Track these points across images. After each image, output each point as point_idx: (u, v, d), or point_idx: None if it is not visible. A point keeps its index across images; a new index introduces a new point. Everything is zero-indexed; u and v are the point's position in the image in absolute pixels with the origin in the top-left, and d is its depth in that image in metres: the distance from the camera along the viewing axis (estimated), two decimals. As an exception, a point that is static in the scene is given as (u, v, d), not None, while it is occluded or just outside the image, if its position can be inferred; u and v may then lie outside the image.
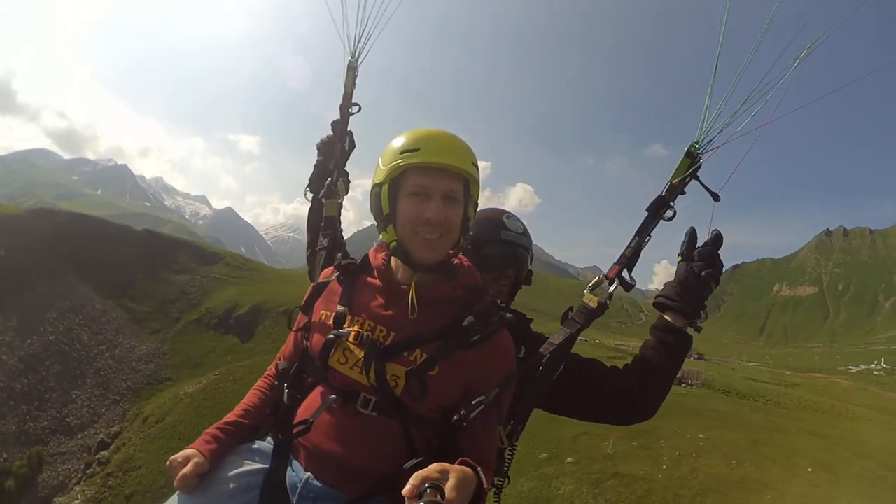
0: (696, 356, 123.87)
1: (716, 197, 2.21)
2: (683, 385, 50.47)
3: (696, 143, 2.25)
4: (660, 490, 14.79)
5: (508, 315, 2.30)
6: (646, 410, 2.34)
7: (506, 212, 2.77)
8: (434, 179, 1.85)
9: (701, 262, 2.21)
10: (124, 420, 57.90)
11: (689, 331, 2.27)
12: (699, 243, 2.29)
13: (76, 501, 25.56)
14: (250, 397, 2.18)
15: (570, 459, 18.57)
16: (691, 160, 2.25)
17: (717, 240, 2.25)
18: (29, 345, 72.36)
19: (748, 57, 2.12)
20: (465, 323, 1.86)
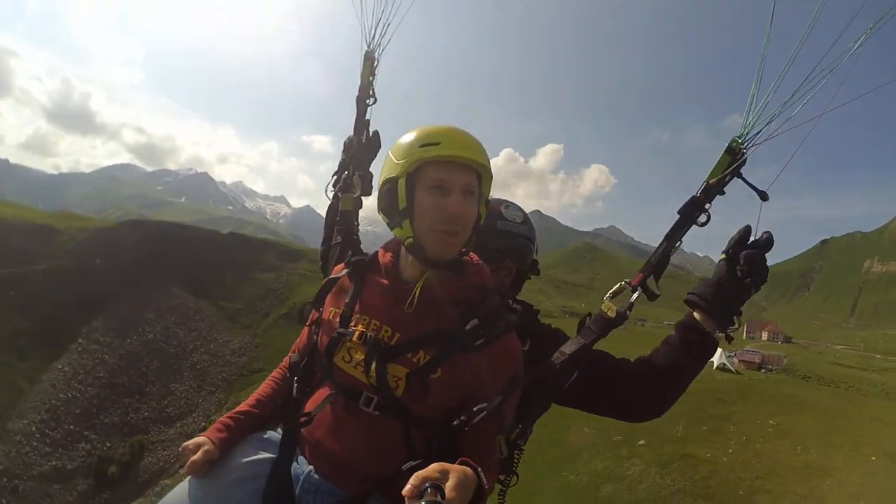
0: (783, 339, 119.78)
1: (763, 196, 2.02)
2: (763, 370, 49.63)
3: (739, 136, 2.08)
4: (723, 472, 15.34)
5: (515, 307, 2.37)
6: (655, 410, 2.26)
7: (504, 201, 2.69)
8: (454, 173, 1.83)
9: (746, 265, 2.04)
10: (222, 409, 60.78)
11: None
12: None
13: (182, 482, 27.80)
14: (264, 388, 2.23)
15: (641, 441, 19.30)
16: (732, 157, 2.09)
17: (767, 243, 2.06)
18: (129, 344, 77.29)
19: (802, 37, 1.89)
20: (468, 326, 1.85)
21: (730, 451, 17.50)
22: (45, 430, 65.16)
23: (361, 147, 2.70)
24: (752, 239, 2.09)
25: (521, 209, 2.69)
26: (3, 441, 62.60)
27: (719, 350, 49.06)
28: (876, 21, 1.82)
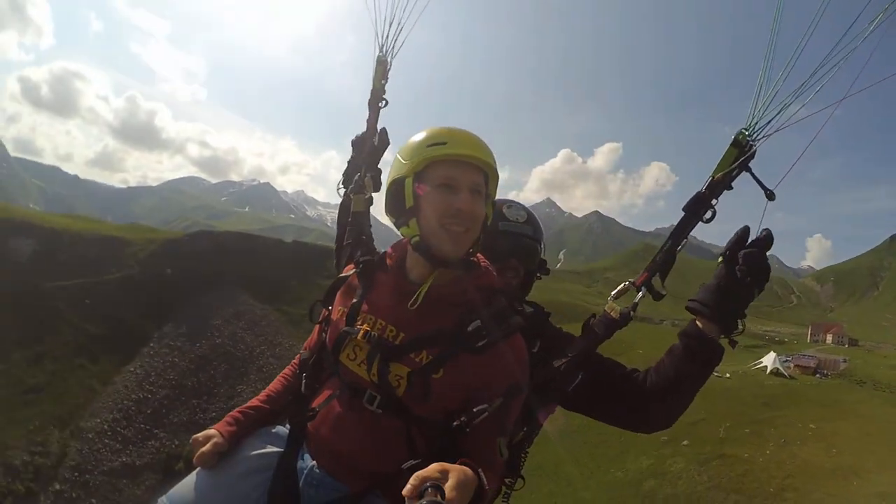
0: (848, 343, 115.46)
1: (770, 195, 1.98)
2: (818, 375, 48.41)
3: (746, 128, 2.00)
4: (757, 471, 15.98)
5: (528, 309, 2.38)
6: (662, 420, 2.21)
7: (508, 201, 2.66)
8: (462, 172, 1.84)
9: (745, 265, 1.97)
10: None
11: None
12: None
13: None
14: (274, 384, 2.29)
15: (685, 442, 20.02)
16: (739, 150, 2.00)
17: (766, 241, 2.00)
18: (198, 348, 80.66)
19: (813, 22, 1.81)
20: (470, 328, 1.84)
21: (767, 451, 18.14)
22: (116, 429, 68.95)
23: (374, 149, 2.71)
24: (751, 239, 2.04)
25: (524, 208, 2.66)
26: (77, 438, 66.81)
27: (773, 355, 48.64)
28: (886, 7, 1.71)
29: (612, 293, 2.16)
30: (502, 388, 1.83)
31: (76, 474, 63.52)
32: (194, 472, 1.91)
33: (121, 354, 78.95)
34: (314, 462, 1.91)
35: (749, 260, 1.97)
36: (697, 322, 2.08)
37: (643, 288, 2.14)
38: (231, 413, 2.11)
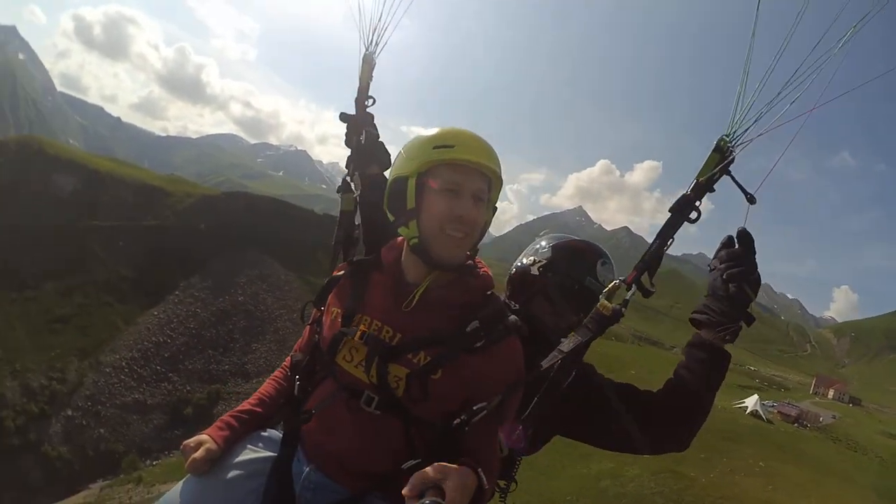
0: (849, 400, 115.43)
1: (751, 199, 1.97)
2: (796, 425, 49.30)
3: (727, 135, 2.02)
4: (697, 489, 18.15)
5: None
6: (676, 438, 2.18)
7: (604, 256, 2.53)
8: (466, 177, 1.81)
9: (724, 263, 2.01)
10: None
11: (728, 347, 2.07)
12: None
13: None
14: (266, 387, 2.20)
15: (645, 455, 22.45)
16: (721, 155, 2.02)
17: (741, 238, 2.01)
18: (221, 302, 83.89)
19: (788, 34, 1.85)
20: (468, 328, 1.81)
21: (711, 475, 20.38)
22: (133, 367, 73.07)
23: (361, 148, 2.63)
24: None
25: (613, 269, 2.52)
26: (95, 370, 71.10)
27: (756, 397, 49.57)
28: (859, 19, 1.81)
29: (604, 291, 2.14)
30: (501, 386, 1.82)
31: (89, 403, 67.68)
32: (186, 479, 1.85)
33: (147, 298, 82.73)
34: (311, 465, 1.87)
35: (729, 257, 2.02)
36: (700, 332, 2.10)
37: (633, 285, 2.13)
38: (222, 417, 2.03)
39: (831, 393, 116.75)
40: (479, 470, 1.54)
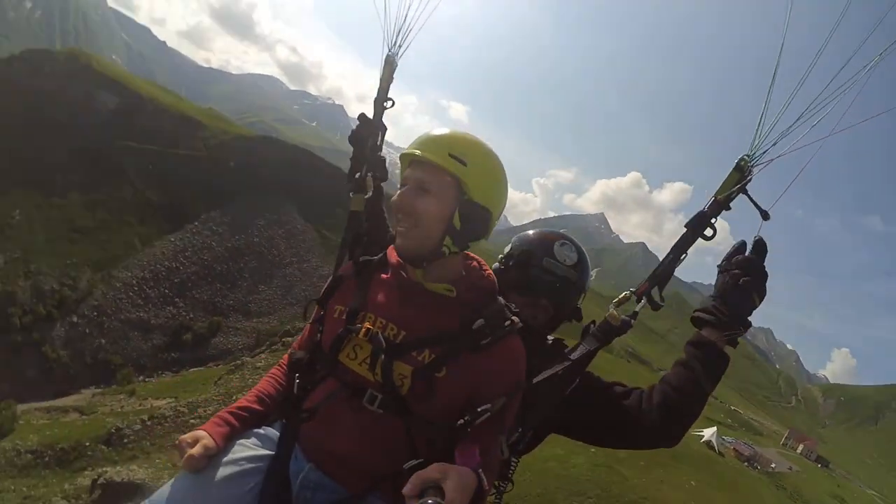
0: (815, 458, 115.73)
1: (765, 215, 2.00)
2: (746, 464, 49.20)
3: (748, 155, 2.04)
4: (625, 484, 19.29)
5: (549, 339, 2.46)
6: (666, 433, 2.19)
7: (564, 238, 2.55)
8: (412, 170, 1.86)
9: (738, 269, 2.01)
10: (294, 321, 64.80)
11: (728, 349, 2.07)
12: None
13: (261, 363, 33.26)
14: (264, 384, 2.17)
15: (593, 449, 24.03)
16: (741, 174, 2.04)
17: (757, 247, 2.03)
18: (236, 240, 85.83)
19: (812, 60, 1.87)
20: (475, 326, 1.81)
21: (643, 479, 21.66)
22: (143, 287, 75.83)
23: (375, 149, 2.58)
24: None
25: (577, 250, 2.52)
26: (106, 284, 73.93)
27: (714, 429, 50.09)
28: (886, 47, 1.81)
29: (613, 301, 2.12)
30: (504, 386, 1.83)
31: (95, 314, 70.68)
32: (181, 475, 1.77)
33: (167, 224, 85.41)
34: (310, 464, 1.85)
35: (741, 264, 2.02)
36: (702, 331, 2.11)
37: (643, 297, 2.13)
38: (220, 414, 1.97)
39: (800, 448, 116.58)
40: (480, 470, 1.53)
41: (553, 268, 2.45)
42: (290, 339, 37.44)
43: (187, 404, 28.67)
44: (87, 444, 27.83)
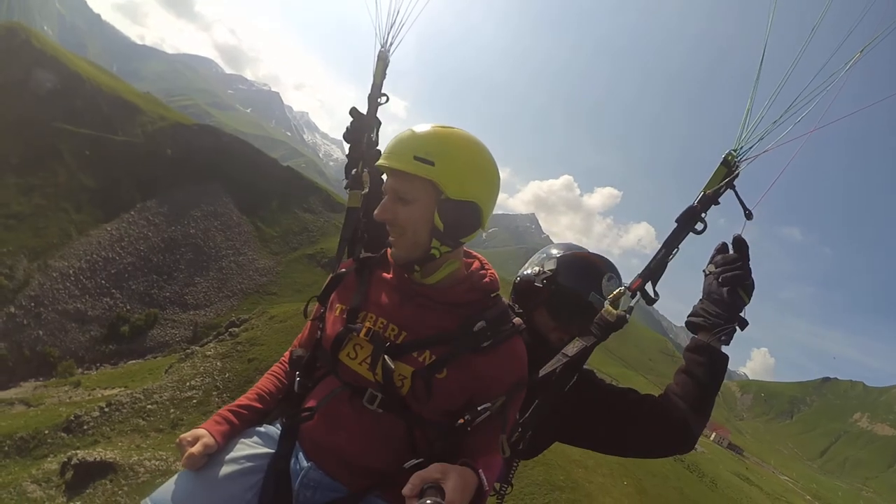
0: (728, 445, 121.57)
1: (748, 215, 2.04)
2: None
3: (734, 150, 2.07)
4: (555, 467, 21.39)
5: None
6: (679, 440, 2.18)
7: (612, 272, 2.47)
8: (389, 179, 1.85)
9: (720, 268, 2.07)
10: (231, 313, 67.19)
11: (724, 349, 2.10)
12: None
13: (210, 351, 33.86)
14: (264, 382, 2.17)
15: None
16: (728, 169, 2.07)
17: (737, 245, 2.07)
18: (172, 230, 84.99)
19: (796, 57, 1.89)
20: (475, 328, 1.82)
21: (588, 480, 23.13)
22: (79, 277, 75.00)
23: (371, 145, 2.58)
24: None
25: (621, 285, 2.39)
26: (42, 273, 72.72)
27: None
28: (867, 43, 1.81)
29: (608, 297, 2.14)
30: (505, 386, 1.83)
31: (32, 304, 69.80)
32: (181, 473, 1.78)
33: (103, 212, 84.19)
34: (311, 463, 1.86)
35: (724, 262, 2.06)
36: (697, 335, 2.14)
37: (637, 293, 2.14)
38: (219, 412, 1.98)
39: (713, 435, 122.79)
40: (480, 471, 1.55)
41: (598, 304, 2.34)
42: (235, 328, 38.47)
43: (143, 391, 29.23)
44: (46, 431, 28.31)
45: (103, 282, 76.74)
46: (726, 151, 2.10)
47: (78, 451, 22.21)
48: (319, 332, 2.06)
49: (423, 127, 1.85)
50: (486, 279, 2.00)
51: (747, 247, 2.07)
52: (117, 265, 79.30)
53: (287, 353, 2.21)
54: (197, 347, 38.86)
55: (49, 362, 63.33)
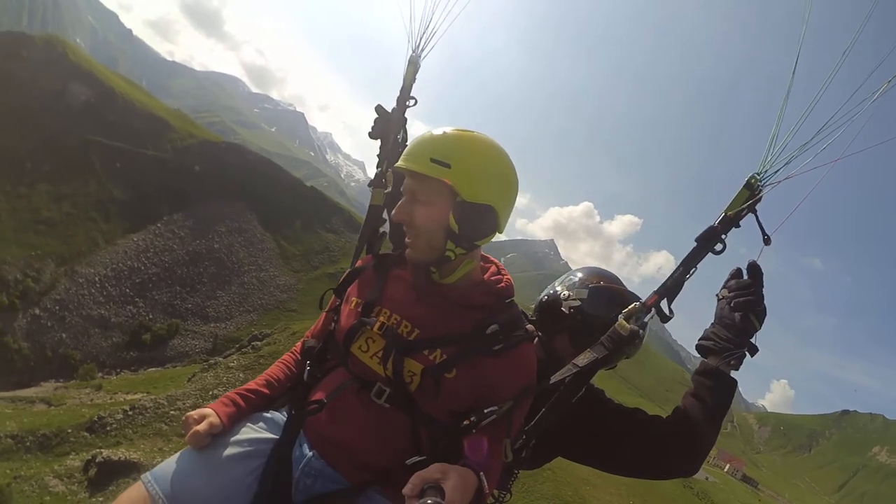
0: (741, 477, 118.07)
1: (767, 240, 2.01)
2: None
3: (758, 174, 2.03)
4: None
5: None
6: (684, 463, 2.17)
7: (639, 299, 2.30)
8: (407, 180, 1.86)
9: (733, 292, 2.05)
10: (251, 327, 69.29)
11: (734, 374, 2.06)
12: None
13: (233, 363, 34.20)
14: (274, 369, 2.16)
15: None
16: (751, 192, 2.03)
17: (752, 270, 2.04)
18: (197, 244, 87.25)
19: (824, 83, 1.89)
20: (488, 331, 1.81)
21: (596, 497, 23.03)
22: (105, 284, 77.18)
23: (397, 145, 2.59)
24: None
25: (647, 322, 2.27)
26: (69, 278, 75.05)
27: None
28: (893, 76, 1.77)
29: (623, 311, 2.10)
30: (513, 391, 1.82)
31: (57, 308, 71.60)
32: (184, 451, 1.78)
33: (130, 223, 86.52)
34: (313, 452, 1.85)
35: (736, 287, 2.05)
36: (707, 359, 2.12)
37: (653, 309, 2.11)
38: (227, 394, 1.98)
39: (727, 467, 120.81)
40: (481, 473, 1.53)
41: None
42: (258, 342, 39.25)
43: (166, 397, 29.91)
44: (69, 430, 29.26)
45: (128, 290, 78.57)
46: (749, 174, 2.08)
47: (102, 450, 23.23)
48: (333, 324, 2.08)
49: (441, 129, 1.88)
50: (502, 284, 2.01)
51: (762, 273, 2.08)
52: (142, 275, 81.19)
53: (299, 344, 2.20)
54: (220, 358, 39.62)
55: (70, 365, 64.91)
